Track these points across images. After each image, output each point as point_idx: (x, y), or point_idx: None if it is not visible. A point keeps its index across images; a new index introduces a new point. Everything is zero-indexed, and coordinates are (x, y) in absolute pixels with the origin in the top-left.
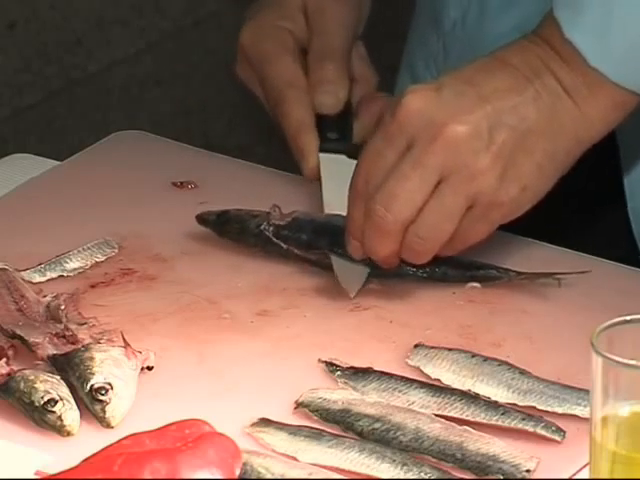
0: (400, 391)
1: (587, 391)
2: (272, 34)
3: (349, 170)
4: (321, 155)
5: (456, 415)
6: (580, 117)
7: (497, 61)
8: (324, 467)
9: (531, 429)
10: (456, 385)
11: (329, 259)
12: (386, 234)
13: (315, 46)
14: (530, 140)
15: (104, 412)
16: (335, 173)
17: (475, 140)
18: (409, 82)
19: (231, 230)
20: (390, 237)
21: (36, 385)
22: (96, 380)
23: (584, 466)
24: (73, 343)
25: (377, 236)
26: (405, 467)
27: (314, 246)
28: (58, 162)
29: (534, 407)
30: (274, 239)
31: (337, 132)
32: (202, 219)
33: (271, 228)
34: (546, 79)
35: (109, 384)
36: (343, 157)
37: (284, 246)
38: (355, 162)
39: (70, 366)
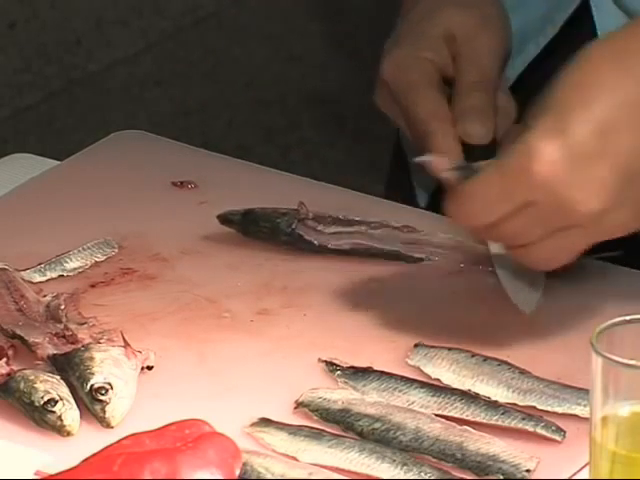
0: (400, 391)
1: (587, 391)
2: (414, 66)
3: None
4: None
5: (456, 415)
6: None
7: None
8: (324, 467)
9: (531, 429)
10: (456, 385)
11: (363, 247)
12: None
13: (464, 74)
14: None
15: (104, 412)
16: None
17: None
18: None
19: (260, 230)
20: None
21: (36, 385)
22: (96, 380)
23: (584, 466)
24: (73, 343)
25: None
26: (405, 467)
27: (347, 233)
28: (58, 162)
29: (534, 407)
30: (306, 237)
31: None
32: (225, 219)
33: (303, 226)
34: None
35: (109, 384)
36: None
37: (316, 242)
38: None
39: (70, 366)
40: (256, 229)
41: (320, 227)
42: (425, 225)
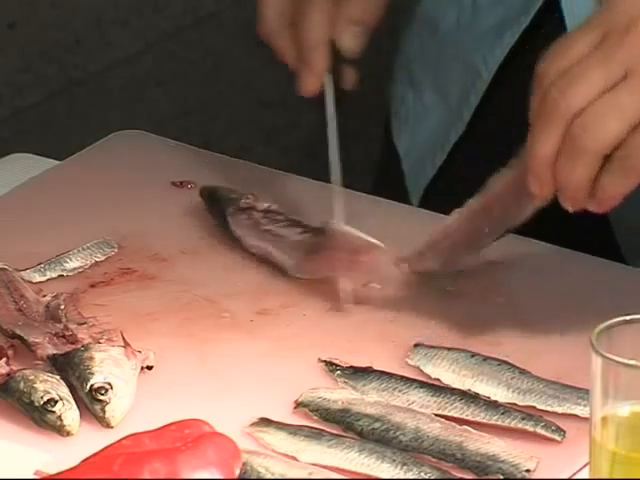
0: (400, 391)
1: (587, 391)
2: None
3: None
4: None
5: (456, 415)
6: None
7: None
8: (324, 467)
9: (531, 429)
10: (456, 385)
11: (272, 256)
12: (555, 120)
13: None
14: None
15: (104, 412)
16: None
17: None
18: (407, 84)
19: (210, 208)
20: (558, 124)
21: (36, 385)
22: (96, 380)
23: (584, 466)
24: (73, 343)
25: (545, 123)
26: (405, 467)
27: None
28: (58, 162)
29: (534, 407)
30: (232, 227)
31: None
32: (200, 192)
33: (240, 214)
34: None
35: (109, 384)
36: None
37: (237, 234)
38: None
39: (70, 366)
40: (210, 209)
41: (264, 221)
42: (419, 223)
